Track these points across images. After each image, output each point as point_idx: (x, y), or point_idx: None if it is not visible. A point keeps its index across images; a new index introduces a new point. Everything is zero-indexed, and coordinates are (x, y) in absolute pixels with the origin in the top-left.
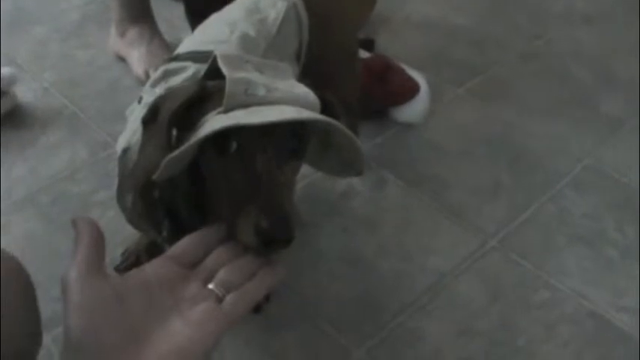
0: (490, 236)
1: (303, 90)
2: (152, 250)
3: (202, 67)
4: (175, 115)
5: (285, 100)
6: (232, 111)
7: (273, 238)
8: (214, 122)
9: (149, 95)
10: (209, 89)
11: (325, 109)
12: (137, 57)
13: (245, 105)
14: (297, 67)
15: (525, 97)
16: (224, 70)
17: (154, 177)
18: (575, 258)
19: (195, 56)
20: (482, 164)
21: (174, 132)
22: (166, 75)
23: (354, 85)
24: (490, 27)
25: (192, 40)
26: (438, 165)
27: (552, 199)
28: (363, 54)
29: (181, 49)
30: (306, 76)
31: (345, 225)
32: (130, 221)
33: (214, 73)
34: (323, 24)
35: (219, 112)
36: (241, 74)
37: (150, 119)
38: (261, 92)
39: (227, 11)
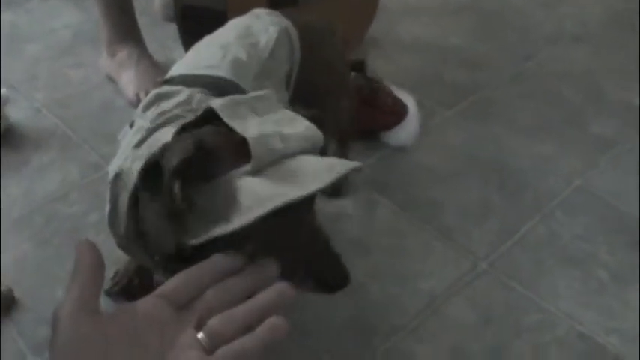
0: (481, 259)
1: (304, 125)
2: (142, 273)
3: (195, 91)
4: (177, 174)
5: (300, 147)
6: (262, 172)
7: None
8: (261, 197)
9: (141, 119)
10: (206, 145)
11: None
12: (126, 79)
13: (270, 163)
14: (288, 91)
15: (515, 118)
16: (236, 127)
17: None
18: (565, 280)
19: (187, 79)
20: (473, 186)
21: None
22: (158, 99)
23: (345, 107)
24: (480, 48)
25: (185, 64)
26: (428, 187)
27: (542, 221)
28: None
29: (173, 72)
30: (297, 99)
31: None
32: (121, 246)
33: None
34: (314, 47)
35: (247, 173)
36: (254, 131)
37: (147, 175)
38: (279, 145)
39: (219, 34)
